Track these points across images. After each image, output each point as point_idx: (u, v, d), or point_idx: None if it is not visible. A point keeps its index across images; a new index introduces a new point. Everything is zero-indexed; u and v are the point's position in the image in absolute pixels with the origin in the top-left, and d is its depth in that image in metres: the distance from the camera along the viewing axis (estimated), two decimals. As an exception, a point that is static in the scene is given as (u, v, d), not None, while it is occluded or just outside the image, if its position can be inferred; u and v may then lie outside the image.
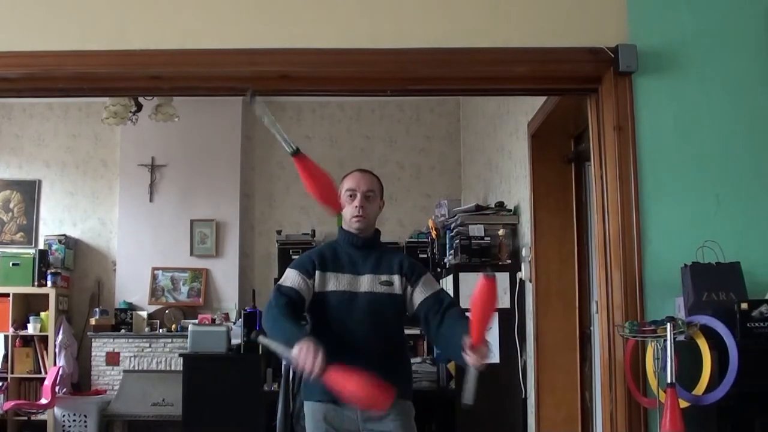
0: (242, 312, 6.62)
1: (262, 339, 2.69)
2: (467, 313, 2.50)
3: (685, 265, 2.73)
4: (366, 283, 2.79)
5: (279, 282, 2.84)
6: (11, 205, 7.58)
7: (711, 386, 2.38)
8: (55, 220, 7.59)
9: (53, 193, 7.64)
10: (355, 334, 2.73)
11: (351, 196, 2.85)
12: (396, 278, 2.80)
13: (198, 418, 6.07)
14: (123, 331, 7.15)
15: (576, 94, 3.28)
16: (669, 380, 2.42)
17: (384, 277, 2.80)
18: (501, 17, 3.02)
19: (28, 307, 7.13)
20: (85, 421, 6.69)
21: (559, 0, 3.03)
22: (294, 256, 7.11)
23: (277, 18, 3.02)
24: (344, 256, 2.83)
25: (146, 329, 7.22)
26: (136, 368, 7.09)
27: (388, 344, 2.78)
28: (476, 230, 5.01)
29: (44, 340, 6.94)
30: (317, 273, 2.78)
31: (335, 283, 2.78)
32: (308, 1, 3.05)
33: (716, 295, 2.64)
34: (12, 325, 6.96)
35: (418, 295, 2.78)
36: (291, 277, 2.78)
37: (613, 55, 2.93)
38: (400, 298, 2.79)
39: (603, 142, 2.97)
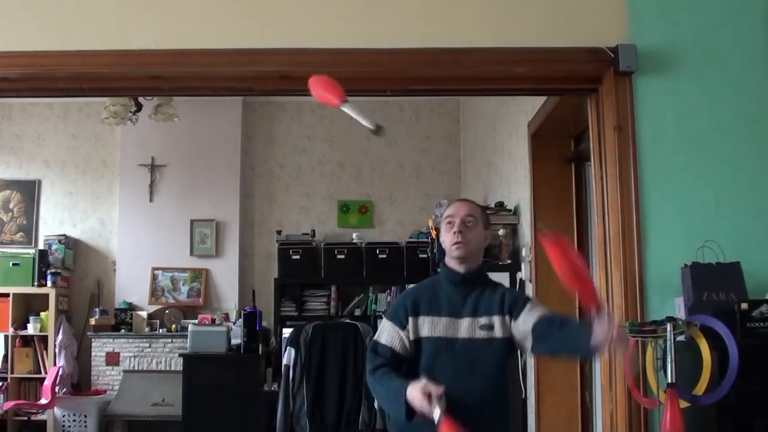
0: (242, 312, 6.63)
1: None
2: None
3: (685, 265, 2.73)
4: (465, 327, 2.53)
5: (375, 337, 2.64)
6: (11, 205, 7.58)
7: (711, 386, 2.38)
8: (55, 220, 7.59)
9: (53, 193, 7.64)
10: (455, 380, 2.46)
11: (449, 223, 2.61)
12: (497, 320, 2.52)
13: (198, 418, 6.08)
14: (123, 331, 7.15)
15: (576, 94, 3.28)
16: (669, 380, 2.42)
17: (483, 320, 2.53)
18: (501, 17, 3.02)
19: (28, 307, 7.13)
20: (85, 421, 6.69)
21: (559, 0, 3.03)
22: (294, 257, 7.14)
23: (277, 18, 3.02)
24: (443, 296, 2.58)
25: (146, 329, 7.21)
26: (136, 368, 7.09)
27: (484, 399, 2.50)
28: (476, 230, 5.00)
29: (44, 340, 6.94)
30: (410, 320, 2.56)
31: (430, 328, 2.55)
32: (308, 1, 3.05)
33: (716, 295, 2.64)
34: (12, 325, 6.96)
35: (528, 320, 2.47)
36: (386, 332, 2.58)
37: (613, 55, 2.93)
38: (502, 343, 2.52)
39: (603, 142, 2.97)
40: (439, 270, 2.69)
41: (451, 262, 2.62)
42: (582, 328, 2.24)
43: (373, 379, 2.54)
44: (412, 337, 2.55)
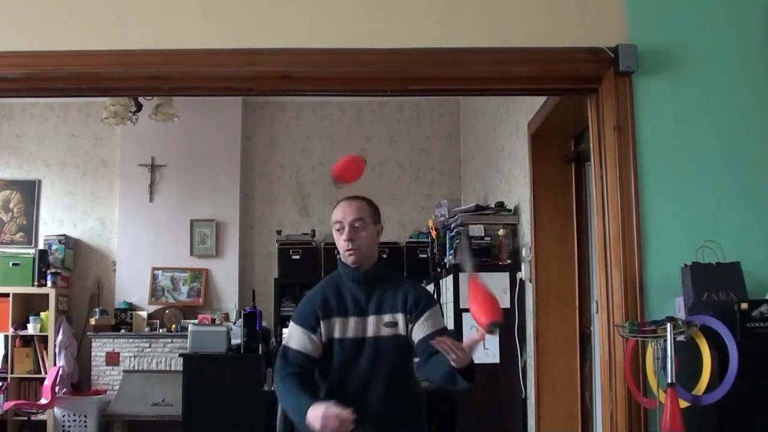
0: (242, 312, 6.62)
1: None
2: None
3: (685, 265, 2.73)
4: (371, 326, 2.58)
5: (284, 342, 2.67)
6: (11, 205, 7.58)
7: (711, 386, 2.38)
8: (55, 220, 7.59)
9: (53, 193, 7.64)
10: (356, 385, 2.56)
11: (338, 230, 2.64)
12: (400, 317, 2.58)
13: (198, 418, 6.08)
14: (123, 331, 7.15)
15: (576, 94, 3.28)
16: (669, 380, 2.42)
17: (387, 318, 2.58)
18: (501, 17, 3.02)
19: (28, 307, 7.14)
20: (85, 421, 6.69)
21: (559, 0, 3.03)
22: (294, 257, 7.14)
23: (277, 18, 3.02)
24: (348, 295, 2.62)
25: (146, 329, 7.22)
26: (136, 368, 7.10)
27: (393, 395, 2.57)
28: (476, 230, 5.01)
29: (44, 340, 6.94)
30: (322, 324, 2.59)
31: (340, 329, 2.59)
32: (308, 1, 3.04)
33: (716, 295, 2.64)
34: (12, 325, 6.96)
35: (418, 332, 2.56)
36: (296, 337, 2.60)
37: (613, 55, 2.93)
38: (407, 340, 2.59)
39: (603, 142, 2.97)
40: (338, 268, 2.70)
41: (347, 263, 2.65)
42: (443, 363, 2.35)
43: (283, 388, 2.56)
44: (324, 339, 2.59)
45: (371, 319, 2.59)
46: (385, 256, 6.96)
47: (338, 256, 2.71)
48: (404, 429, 2.60)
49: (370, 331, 2.58)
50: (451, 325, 5.06)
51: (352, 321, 2.60)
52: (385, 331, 2.58)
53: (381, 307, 2.60)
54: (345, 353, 2.59)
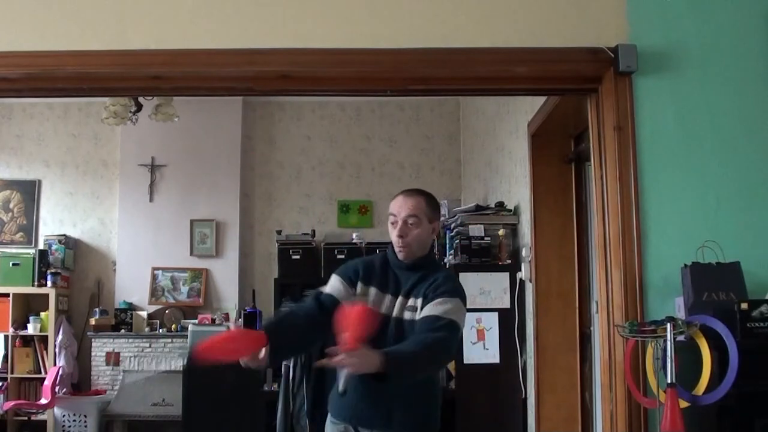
0: (242, 312, 6.62)
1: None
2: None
3: (685, 265, 2.73)
4: (398, 306, 2.58)
5: (319, 289, 2.68)
6: (11, 205, 7.58)
7: (711, 386, 2.38)
8: (55, 220, 7.59)
9: (53, 193, 7.64)
10: None
11: (393, 222, 2.60)
12: (420, 302, 2.54)
13: (198, 418, 6.08)
14: (123, 331, 7.15)
15: (576, 94, 3.28)
16: (669, 380, 2.42)
17: (411, 302, 2.56)
18: (501, 17, 3.02)
19: (28, 307, 7.14)
20: (85, 421, 6.69)
21: (559, 0, 3.03)
22: (294, 257, 7.14)
23: (277, 18, 3.02)
24: (391, 275, 2.63)
25: (146, 329, 7.21)
26: (136, 368, 7.09)
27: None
28: (476, 230, 5.01)
29: (44, 340, 6.94)
30: (359, 284, 2.61)
31: (375, 300, 2.58)
32: (308, 1, 3.04)
33: (716, 295, 2.64)
34: (12, 325, 6.96)
35: (422, 312, 2.49)
36: (332, 284, 2.64)
37: (613, 55, 2.93)
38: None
39: (603, 142, 2.97)
40: (390, 249, 2.66)
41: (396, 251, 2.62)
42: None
43: (295, 308, 2.63)
44: (357, 297, 2.58)
45: (399, 300, 2.58)
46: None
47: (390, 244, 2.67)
48: (403, 408, 2.55)
49: (396, 312, 2.57)
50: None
51: (387, 298, 2.59)
52: (406, 315, 2.55)
53: (411, 292, 2.57)
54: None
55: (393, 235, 2.61)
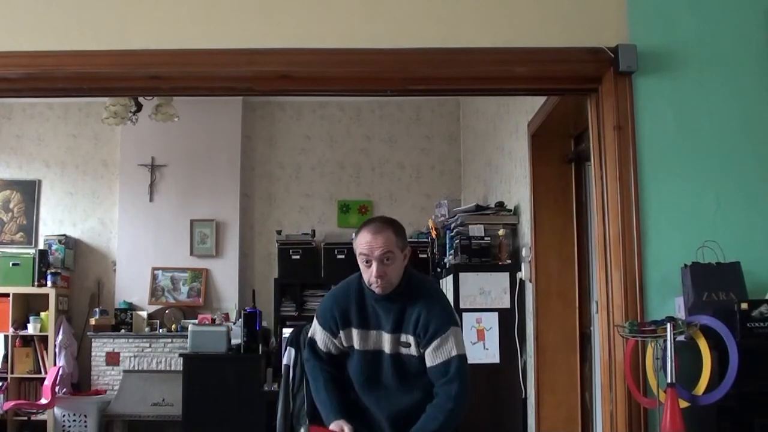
0: (242, 312, 6.62)
1: None
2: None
3: (685, 265, 2.73)
4: (388, 343, 2.61)
5: (311, 333, 2.74)
6: (11, 205, 7.58)
7: (711, 386, 2.38)
8: (55, 220, 7.59)
9: (53, 193, 7.64)
10: (384, 388, 2.66)
11: (366, 262, 2.54)
12: (412, 340, 2.58)
13: (198, 418, 6.08)
14: (123, 331, 7.15)
15: (576, 94, 3.28)
16: (669, 380, 2.42)
17: (403, 338, 2.60)
18: (501, 17, 3.02)
19: (28, 307, 7.14)
20: (85, 421, 6.69)
21: (559, 0, 3.03)
22: (294, 257, 7.14)
23: (277, 18, 3.02)
24: (369, 309, 2.63)
25: (146, 329, 7.21)
26: (136, 368, 7.09)
27: (412, 408, 2.61)
28: (476, 230, 5.01)
29: (44, 340, 6.94)
30: (341, 332, 2.65)
31: (360, 341, 2.64)
32: (308, 1, 3.04)
33: (716, 295, 2.64)
34: (12, 325, 6.96)
35: (428, 361, 2.56)
36: (320, 337, 2.70)
37: (613, 55, 2.93)
38: (420, 359, 2.60)
39: (603, 142, 2.97)
40: (361, 279, 2.63)
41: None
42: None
43: (314, 383, 2.70)
44: (345, 344, 2.68)
45: (390, 337, 2.60)
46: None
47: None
48: None
49: (389, 348, 2.61)
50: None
51: (373, 334, 2.63)
52: (403, 350, 2.61)
53: (399, 325, 2.59)
54: (365, 363, 2.66)
55: (368, 276, 2.55)
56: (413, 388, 2.64)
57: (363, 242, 2.54)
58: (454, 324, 2.59)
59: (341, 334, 2.66)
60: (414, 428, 2.51)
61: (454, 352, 2.53)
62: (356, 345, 2.65)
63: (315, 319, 2.75)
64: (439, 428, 2.49)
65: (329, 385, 2.68)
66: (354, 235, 2.62)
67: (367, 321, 2.62)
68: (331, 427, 2.58)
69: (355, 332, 2.64)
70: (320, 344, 2.72)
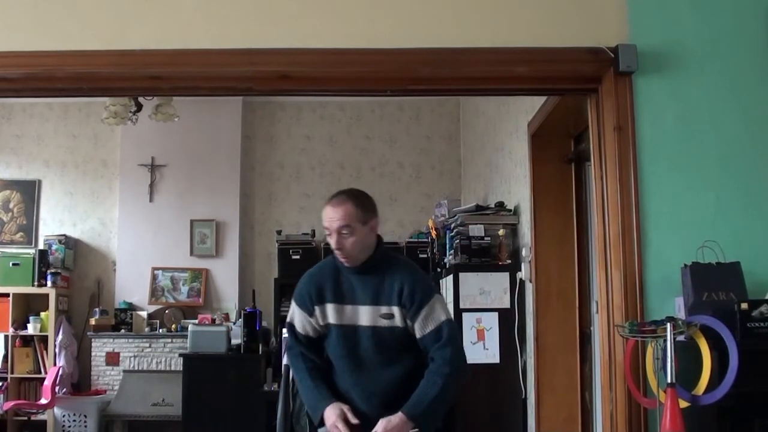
0: (242, 312, 6.62)
1: None
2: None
3: (685, 265, 2.73)
4: (366, 316, 2.61)
5: (289, 318, 2.76)
6: (11, 205, 7.58)
7: (711, 386, 2.38)
8: (55, 220, 7.59)
9: (53, 193, 7.64)
10: (359, 370, 2.65)
11: (328, 234, 2.62)
12: (396, 310, 2.59)
13: (198, 418, 6.08)
14: (123, 331, 7.15)
15: (576, 94, 3.28)
16: (669, 380, 2.42)
17: (384, 309, 2.60)
18: (501, 17, 3.02)
19: (28, 307, 7.14)
20: (85, 421, 6.69)
21: (559, 0, 3.03)
22: (294, 257, 7.13)
23: (277, 18, 3.02)
24: (345, 283, 2.66)
25: (146, 329, 7.22)
26: (136, 368, 7.09)
27: (392, 383, 2.63)
28: (476, 230, 5.00)
29: (44, 340, 6.94)
30: (316, 308, 2.67)
31: (335, 316, 2.64)
32: (308, 1, 3.05)
33: (716, 295, 2.64)
34: (12, 325, 6.96)
35: (418, 331, 2.59)
36: (297, 319, 2.72)
37: (613, 55, 2.93)
38: (404, 330, 2.61)
39: (603, 142, 2.97)
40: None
41: None
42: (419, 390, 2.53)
43: (297, 373, 2.71)
44: (321, 323, 2.67)
45: (368, 309, 2.61)
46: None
47: None
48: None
49: (367, 320, 2.61)
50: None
51: (348, 309, 2.63)
52: (383, 322, 2.60)
53: (378, 298, 2.61)
54: (343, 339, 2.65)
55: (331, 242, 2.61)
56: (395, 362, 2.63)
57: (324, 214, 2.61)
58: (437, 292, 2.68)
59: (317, 311, 2.66)
60: (414, 395, 2.52)
61: (443, 317, 2.59)
62: (332, 320, 2.64)
63: (293, 301, 2.75)
64: (440, 392, 2.52)
65: (313, 372, 2.68)
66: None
67: (342, 295, 2.64)
68: (327, 411, 2.56)
69: (330, 307, 2.64)
70: (298, 327, 2.71)
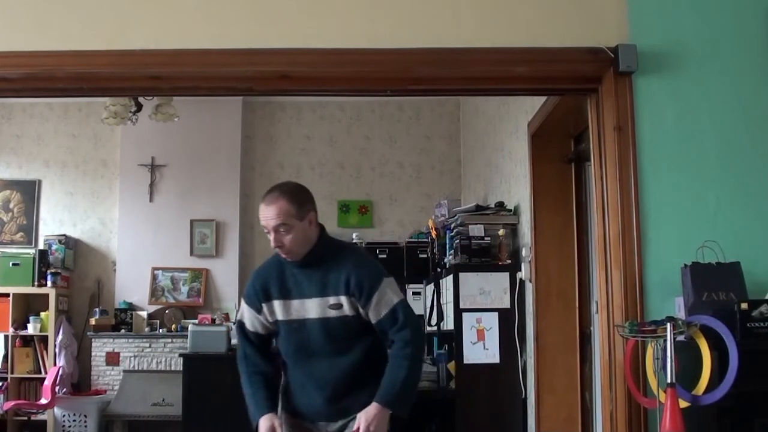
0: (242, 312, 6.62)
1: None
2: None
3: (685, 265, 2.73)
4: (314, 308, 2.61)
5: (239, 317, 2.78)
6: (11, 205, 7.58)
7: (711, 386, 2.38)
8: (55, 220, 7.59)
9: (53, 193, 7.64)
10: (316, 357, 2.65)
11: (267, 232, 2.59)
12: (344, 299, 2.58)
13: (198, 418, 6.07)
14: (123, 331, 7.15)
15: (576, 94, 3.28)
16: (669, 380, 2.42)
17: (332, 300, 2.59)
18: (501, 17, 3.02)
19: (28, 307, 7.13)
20: (85, 421, 6.69)
21: (559, 0, 3.03)
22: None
23: (277, 18, 3.02)
24: (290, 278, 2.65)
25: (146, 329, 7.22)
26: (136, 368, 7.09)
27: (345, 373, 2.63)
28: (476, 230, 5.01)
29: (44, 340, 6.94)
30: (264, 306, 2.67)
31: (283, 312, 2.65)
32: (308, 1, 3.05)
33: (716, 295, 2.64)
34: (12, 325, 6.96)
35: (373, 317, 2.59)
36: (247, 317, 2.74)
37: (613, 55, 2.93)
38: (355, 318, 2.60)
39: (603, 142, 2.97)
40: None
41: None
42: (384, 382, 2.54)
43: (243, 374, 2.77)
44: (270, 319, 2.69)
45: (315, 301, 2.60)
46: (384, 256, 6.97)
47: None
48: (358, 395, 2.62)
49: (315, 313, 2.60)
50: (450, 325, 5.06)
51: (295, 303, 2.63)
52: (332, 313, 2.60)
53: (325, 289, 2.60)
54: (292, 334, 2.67)
55: (270, 239, 2.60)
56: (347, 351, 2.63)
57: (260, 213, 2.59)
58: (385, 275, 2.64)
59: (264, 308, 2.67)
60: (384, 380, 2.54)
61: (395, 300, 2.59)
62: (280, 316, 2.65)
63: (242, 300, 2.76)
64: (409, 373, 2.55)
65: (253, 378, 2.73)
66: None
67: (288, 291, 2.64)
68: (261, 422, 2.61)
69: (276, 303, 2.65)
70: (248, 325, 2.73)
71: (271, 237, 2.56)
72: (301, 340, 2.65)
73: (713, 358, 2.39)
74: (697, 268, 2.70)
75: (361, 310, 2.59)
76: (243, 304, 2.76)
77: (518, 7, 3.02)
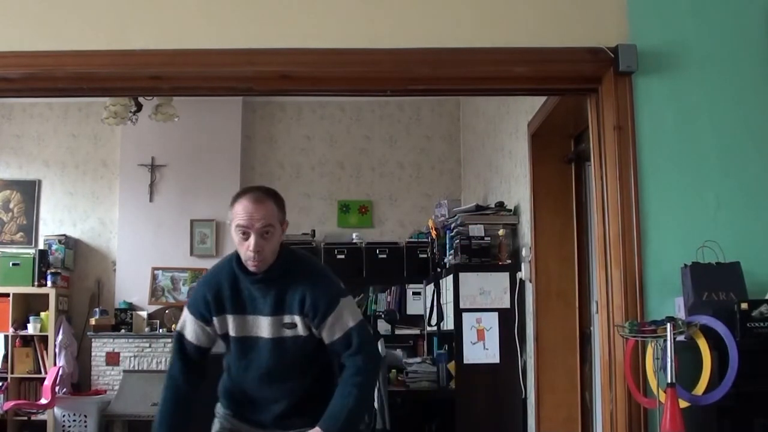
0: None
1: None
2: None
3: (685, 265, 2.73)
4: (267, 327, 2.45)
5: (180, 326, 2.59)
6: (11, 205, 7.58)
7: (711, 386, 2.38)
8: (55, 220, 7.59)
9: (53, 193, 7.64)
10: (257, 382, 2.54)
11: (243, 234, 2.35)
12: (298, 319, 2.44)
13: (198, 418, 6.07)
14: (123, 331, 7.15)
15: (576, 94, 3.28)
16: (669, 380, 2.42)
17: (287, 319, 2.44)
18: (501, 17, 3.02)
19: (28, 307, 7.13)
20: (85, 421, 6.69)
21: (559, 0, 3.03)
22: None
23: (277, 18, 3.02)
24: (245, 292, 2.47)
25: (146, 329, 7.22)
26: (136, 368, 7.09)
27: (294, 393, 2.54)
28: (476, 230, 5.01)
29: (44, 340, 6.94)
30: (215, 319, 2.49)
31: (235, 328, 2.49)
32: (308, 1, 3.04)
33: (716, 295, 2.64)
34: (12, 325, 6.96)
35: (326, 338, 2.45)
36: (189, 328, 2.55)
37: (613, 55, 2.93)
38: (309, 338, 2.47)
39: (603, 142, 2.97)
40: (234, 262, 2.47)
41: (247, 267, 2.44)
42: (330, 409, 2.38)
43: (165, 389, 2.71)
44: (219, 332, 2.53)
45: (270, 320, 2.45)
46: (384, 256, 6.97)
47: (236, 253, 2.47)
48: (306, 418, 2.50)
49: (268, 332, 2.46)
50: (450, 325, 5.06)
51: (249, 319, 2.47)
52: (286, 333, 2.46)
53: (280, 307, 2.44)
54: (243, 351, 2.52)
55: (244, 249, 2.37)
56: (298, 373, 2.52)
57: (242, 212, 2.35)
58: (343, 296, 2.48)
59: (215, 321, 2.49)
60: (330, 407, 2.39)
61: (350, 323, 2.43)
62: (231, 332, 2.49)
63: (185, 309, 2.57)
64: (356, 403, 2.40)
65: (169, 404, 2.69)
66: (230, 204, 2.42)
67: (243, 306, 2.46)
68: None
69: (230, 318, 2.48)
70: (189, 336, 2.54)
71: (251, 241, 2.34)
72: (251, 357, 2.51)
73: (713, 358, 2.39)
74: (697, 268, 2.70)
75: (315, 331, 2.45)
76: (187, 314, 2.55)
77: (518, 7, 3.02)
